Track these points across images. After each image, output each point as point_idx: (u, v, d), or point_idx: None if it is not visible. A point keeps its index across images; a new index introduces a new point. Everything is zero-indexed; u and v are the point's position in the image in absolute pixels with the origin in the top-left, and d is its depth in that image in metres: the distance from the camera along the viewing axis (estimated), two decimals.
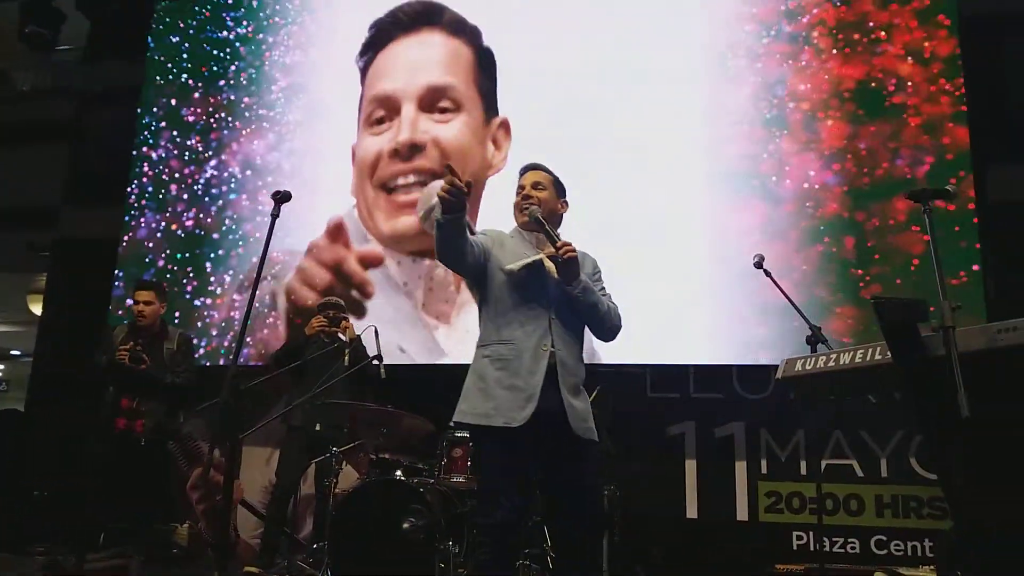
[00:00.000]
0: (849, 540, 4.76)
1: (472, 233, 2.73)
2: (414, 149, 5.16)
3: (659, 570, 4.78)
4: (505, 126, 5.26)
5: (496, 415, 2.57)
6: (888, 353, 2.55)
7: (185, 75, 6.53)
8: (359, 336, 4.71)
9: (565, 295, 2.71)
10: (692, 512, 5.05)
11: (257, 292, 2.95)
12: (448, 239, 2.58)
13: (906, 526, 4.70)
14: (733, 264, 4.89)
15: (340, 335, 4.70)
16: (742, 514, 4.97)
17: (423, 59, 5.49)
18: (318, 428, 4.48)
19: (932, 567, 4.23)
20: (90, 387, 5.79)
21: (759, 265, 3.89)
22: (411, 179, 5.26)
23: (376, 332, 4.51)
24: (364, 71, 5.76)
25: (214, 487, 4.97)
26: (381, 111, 5.43)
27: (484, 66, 5.42)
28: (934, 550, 4.51)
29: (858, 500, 4.83)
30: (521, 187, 2.89)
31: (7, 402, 12.81)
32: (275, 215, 3.05)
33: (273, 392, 5.37)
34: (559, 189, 2.93)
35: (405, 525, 3.93)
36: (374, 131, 5.38)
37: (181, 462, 5.02)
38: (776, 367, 3.02)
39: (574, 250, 2.67)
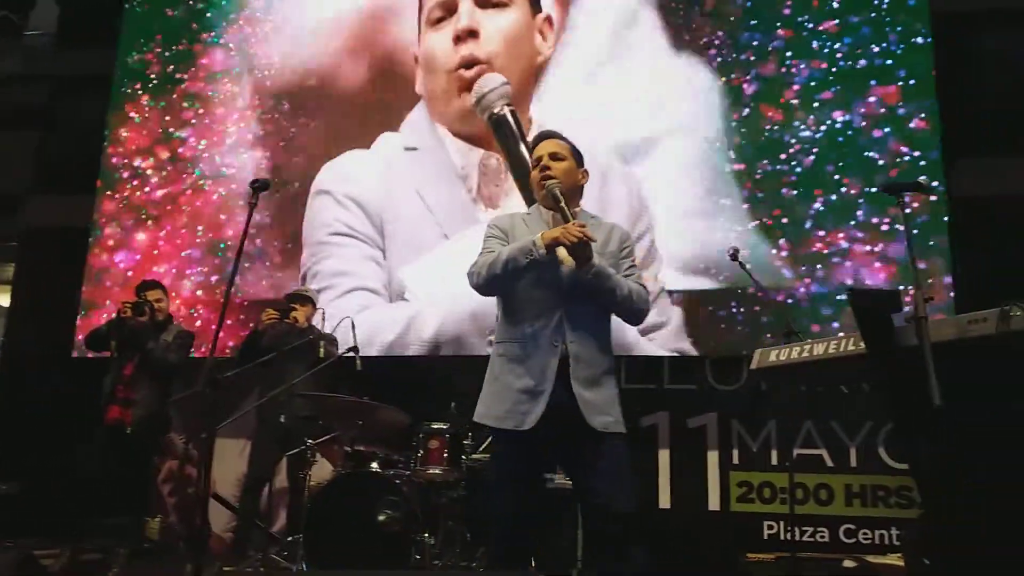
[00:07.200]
0: (819, 529, 4.82)
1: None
2: (472, 35, 5.66)
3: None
4: (549, 21, 5.73)
5: (508, 418, 2.50)
6: (861, 343, 2.60)
7: (157, 58, 6.44)
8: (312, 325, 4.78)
9: (580, 282, 2.50)
10: (665, 502, 5.09)
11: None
12: (513, 278, 2.52)
13: (874, 515, 4.77)
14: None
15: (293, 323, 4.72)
16: (714, 504, 5.03)
17: None
18: (282, 420, 4.51)
19: (900, 555, 4.30)
20: (62, 379, 5.72)
21: (734, 257, 3.93)
22: (471, 61, 5.69)
23: (352, 324, 4.49)
24: None
25: (186, 480, 4.93)
26: (440, 11, 5.87)
27: None
28: (901, 538, 4.59)
29: (828, 489, 4.90)
30: (538, 159, 2.65)
31: None
32: (253, 204, 3.01)
33: (245, 383, 5.32)
34: (578, 158, 2.72)
35: (381, 517, 3.92)
36: (436, 28, 5.84)
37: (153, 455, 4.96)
38: (749, 358, 3.08)
39: (582, 232, 2.40)
